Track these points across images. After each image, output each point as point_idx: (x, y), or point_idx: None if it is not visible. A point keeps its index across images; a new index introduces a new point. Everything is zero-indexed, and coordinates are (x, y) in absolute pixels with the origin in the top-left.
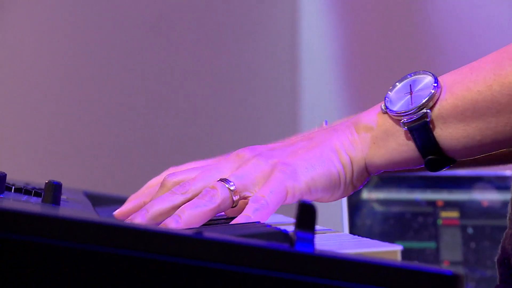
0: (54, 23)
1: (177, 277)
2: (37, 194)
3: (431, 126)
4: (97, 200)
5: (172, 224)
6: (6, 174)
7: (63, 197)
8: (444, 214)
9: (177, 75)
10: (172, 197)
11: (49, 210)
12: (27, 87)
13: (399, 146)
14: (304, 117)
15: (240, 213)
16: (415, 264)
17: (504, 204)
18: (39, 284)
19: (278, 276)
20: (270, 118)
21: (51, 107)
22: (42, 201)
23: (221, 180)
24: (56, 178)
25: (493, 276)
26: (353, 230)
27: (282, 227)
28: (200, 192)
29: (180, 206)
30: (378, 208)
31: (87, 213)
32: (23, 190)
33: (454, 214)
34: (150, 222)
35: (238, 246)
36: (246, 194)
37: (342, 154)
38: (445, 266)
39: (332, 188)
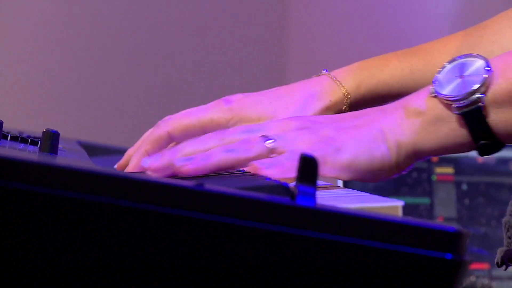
0: None
1: (175, 228)
2: (34, 142)
3: (483, 111)
4: (91, 150)
5: (201, 161)
6: (2, 122)
7: (59, 146)
8: (439, 170)
9: (173, 25)
10: (208, 140)
11: (49, 159)
12: (22, 36)
13: (451, 131)
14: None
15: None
16: (417, 220)
17: (499, 161)
18: (39, 233)
19: (279, 230)
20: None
21: (45, 56)
22: (39, 150)
23: (263, 136)
24: (49, 127)
25: (486, 233)
26: (348, 185)
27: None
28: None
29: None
30: None
31: (85, 162)
32: (19, 139)
33: (448, 170)
34: (182, 154)
35: (238, 199)
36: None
37: (389, 137)
38: (439, 222)
39: (374, 169)
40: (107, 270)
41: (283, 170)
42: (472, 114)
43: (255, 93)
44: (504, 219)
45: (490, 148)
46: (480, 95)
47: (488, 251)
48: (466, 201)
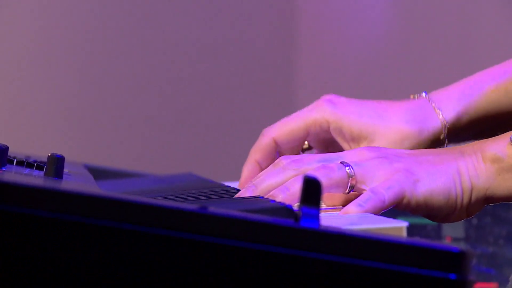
0: None
1: (182, 252)
2: (39, 167)
3: None
4: (98, 174)
5: (279, 196)
6: (8, 147)
7: (65, 170)
8: None
9: (179, 46)
10: (283, 173)
11: (53, 183)
12: (27, 59)
13: None
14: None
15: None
16: (421, 240)
17: None
18: (42, 258)
19: (283, 252)
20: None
21: (52, 79)
22: (45, 174)
23: (341, 162)
24: (57, 151)
25: (494, 252)
26: None
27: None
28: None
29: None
30: None
31: (90, 187)
32: (25, 163)
33: None
34: (257, 193)
35: (242, 221)
36: (363, 186)
37: (465, 179)
38: (447, 242)
39: (446, 209)
40: None
41: (383, 200)
42: None
43: (355, 100)
44: None
45: None
46: None
47: (496, 271)
48: (474, 220)
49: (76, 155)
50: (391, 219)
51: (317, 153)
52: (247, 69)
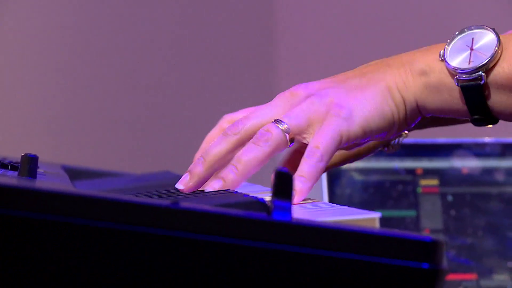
0: None
1: (153, 248)
2: (14, 167)
3: (484, 89)
4: (76, 174)
5: (230, 176)
6: None
7: (40, 170)
8: (424, 182)
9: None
10: (225, 139)
11: (20, 182)
12: (4, 57)
13: (451, 98)
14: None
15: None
16: (394, 231)
17: (484, 171)
18: (13, 256)
19: (256, 246)
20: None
21: (35, 81)
22: (19, 174)
23: (275, 121)
24: (43, 153)
25: (473, 243)
26: (333, 199)
27: (260, 196)
28: (252, 132)
29: (235, 148)
30: (357, 177)
31: (62, 185)
32: (0, 164)
33: (433, 182)
34: (209, 170)
35: (214, 216)
36: (302, 136)
37: (395, 93)
38: (425, 234)
39: (386, 128)
40: None
41: (310, 185)
42: (472, 89)
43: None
44: None
45: (484, 122)
46: (482, 73)
47: (476, 262)
48: (452, 212)
49: (62, 157)
50: (364, 211)
51: None
52: (226, 65)
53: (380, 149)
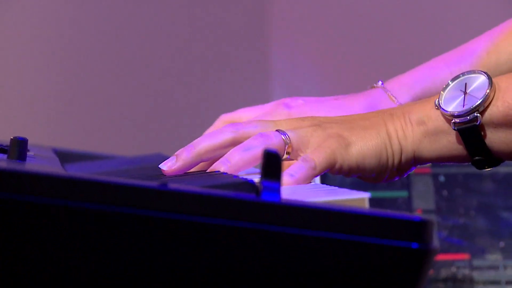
0: None
1: (142, 229)
2: (3, 150)
3: (481, 129)
4: (67, 157)
5: (221, 168)
6: None
7: (30, 153)
8: None
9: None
10: (221, 134)
11: (8, 165)
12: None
13: (449, 144)
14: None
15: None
16: (383, 211)
17: None
18: (2, 239)
19: (245, 226)
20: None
21: (30, 68)
22: (8, 157)
23: (277, 130)
24: (36, 137)
25: (466, 223)
26: (325, 180)
27: (250, 178)
28: (250, 135)
29: (227, 145)
30: None
31: (51, 168)
32: None
33: None
34: (196, 159)
35: (203, 197)
36: (298, 153)
37: (394, 141)
38: (421, 215)
39: (378, 170)
40: (66, 273)
41: (313, 167)
42: (469, 131)
43: (312, 99)
44: None
45: (486, 164)
46: (477, 114)
47: (468, 242)
48: (444, 192)
49: (56, 141)
50: (353, 191)
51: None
52: (221, 52)
53: None
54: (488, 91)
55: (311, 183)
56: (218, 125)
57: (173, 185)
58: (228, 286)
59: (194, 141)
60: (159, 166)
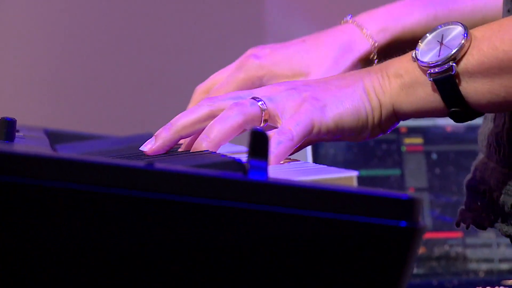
0: None
1: (129, 209)
2: None
3: (456, 79)
4: (59, 137)
5: (203, 144)
6: None
7: (19, 134)
8: (408, 140)
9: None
10: (198, 109)
11: None
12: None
13: (426, 96)
14: None
15: None
16: (371, 189)
17: (468, 128)
18: None
19: (232, 206)
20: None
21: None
22: None
23: (253, 98)
24: (31, 117)
25: (458, 201)
26: (317, 159)
27: (237, 157)
28: (227, 106)
29: (205, 119)
30: None
31: (37, 148)
32: None
33: (417, 140)
34: (175, 136)
35: (189, 176)
36: (276, 119)
37: (372, 97)
38: (409, 193)
39: (359, 128)
40: (53, 255)
41: (275, 161)
42: (444, 81)
43: (279, 45)
44: (468, 183)
45: (464, 116)
46: (452, 63)
47: None
48: (437, 170)
49: (52, 121)
50: (341, 169)
51: None
52: (215, 11)
53: None
54: (463, 40)
55: (300, 161)
56: (196, 98)
57: (159, 165)
58: (215, 265)
59: (172, 119)
60: (140, 148)
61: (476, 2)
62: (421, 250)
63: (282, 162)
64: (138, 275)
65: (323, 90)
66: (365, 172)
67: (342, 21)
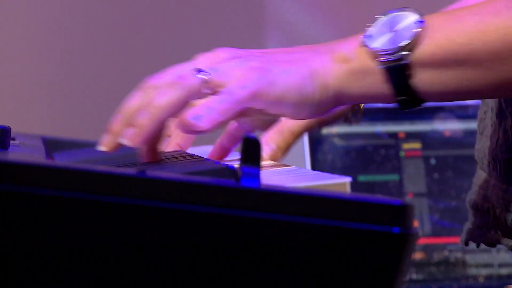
0: None
1: (122, 217)
2: None
3: (408, 69)
4: (57, 145)
5: (141, 121)
6: None
7: (15, 142)
8: (406, 145)
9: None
10: (142, 94)
11: None
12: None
13: (375, 83)
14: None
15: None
16: (363, 195)
17: (466, 133)
18: None
19: (225, 213)
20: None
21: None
22: None
23: (195, 69)
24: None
25: (457, 206)
26: (315, 165)
27: (231, 163)
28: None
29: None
30: (339, 142)
31: (29, 155)
32: None
33: (416, 145)
34: (124, 124)
35: (181, 184)
36: (219, 90)
37: (317, 78)
38: (408, 198)
39: (302, 105)
40: (47, 263)
41: (215, 117)
42: (396, 70)
43: (259, 51)
44: (468, 198)
45: (410, 104)
46: (406, 53)
47: (460, 225)
48: (435, 175)
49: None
50: (334, 175)
51: None
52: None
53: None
54: (417, 29)
55: (293, 167)
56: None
57: (151, 172)
58: (208, 272)
59: (118, 110)
60: (96, 149)
61: None
62: (420, 256)
63: (274, 167)
64: (132, 282)
65: (271, 62)
66: (363, 178)
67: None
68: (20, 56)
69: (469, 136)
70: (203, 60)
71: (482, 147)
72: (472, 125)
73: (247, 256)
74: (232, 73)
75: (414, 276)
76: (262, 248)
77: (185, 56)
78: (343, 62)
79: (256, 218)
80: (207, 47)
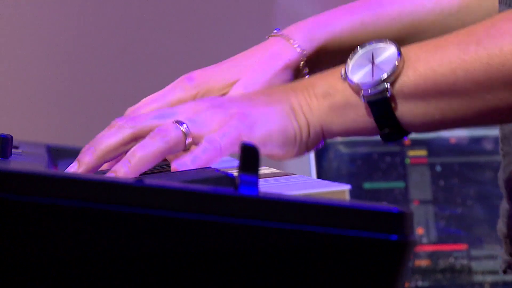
0: None
1: (119, 226)
2: None
3: (391, 101)
4: (62, 154)
5: (122, 169)
6: None
7: (18, 150)
8: (412, 153)
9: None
10: (120, 131)
11: None
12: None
13: (358, 117)
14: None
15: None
16: (362, 203)
17: (471, 140)
18: None
19: (223, 221)
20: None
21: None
22: None
23: (176, 121)
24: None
25: (463, 213)
26: (321, 173)
27: (230, 171)
28: (150, 130)
29: (128, 142)
30: (345, 149)
31: (31, 164)
32: None
33: (421, 152)
34: (99, 161)
35: (179, 192)
36: (201, 140)
37: (299, 115)
38: (414, 206)
39: (287, 145)
40: (45, 272)
41: (201, 165)
42: (379, 103)
43: (210, 67)
44: (498, 227)
45: (394, 136)
46: (387, 86)
47: (465, 232)
48: (441, 182)
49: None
50: (333, 183)
51: None
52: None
53: None
54: (397, 62)
55: (293, 175)
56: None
57: (149, 181)
58: (207, 282)
59: (93, 142)
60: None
61: (403, 6)
62: (426, 263)
63: (273, 176)
64: None
65: (251, 107)
66: (369, 185)
67: (269, 36)
68: (28, 67)
69: (475, 144)
70: (182, 111)
71: (503, 176)
72: (477, 132)
73: (245, 264)
74: (212, 123)
75: (420, 283)
76: (261, 256)
77: (193, 54)
78: (323, 98)
79: (255, 226)
80: (216, 44)
